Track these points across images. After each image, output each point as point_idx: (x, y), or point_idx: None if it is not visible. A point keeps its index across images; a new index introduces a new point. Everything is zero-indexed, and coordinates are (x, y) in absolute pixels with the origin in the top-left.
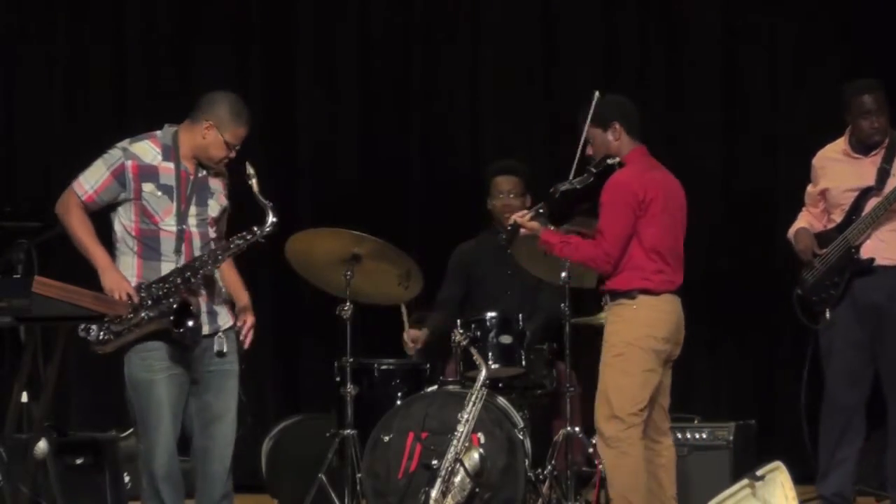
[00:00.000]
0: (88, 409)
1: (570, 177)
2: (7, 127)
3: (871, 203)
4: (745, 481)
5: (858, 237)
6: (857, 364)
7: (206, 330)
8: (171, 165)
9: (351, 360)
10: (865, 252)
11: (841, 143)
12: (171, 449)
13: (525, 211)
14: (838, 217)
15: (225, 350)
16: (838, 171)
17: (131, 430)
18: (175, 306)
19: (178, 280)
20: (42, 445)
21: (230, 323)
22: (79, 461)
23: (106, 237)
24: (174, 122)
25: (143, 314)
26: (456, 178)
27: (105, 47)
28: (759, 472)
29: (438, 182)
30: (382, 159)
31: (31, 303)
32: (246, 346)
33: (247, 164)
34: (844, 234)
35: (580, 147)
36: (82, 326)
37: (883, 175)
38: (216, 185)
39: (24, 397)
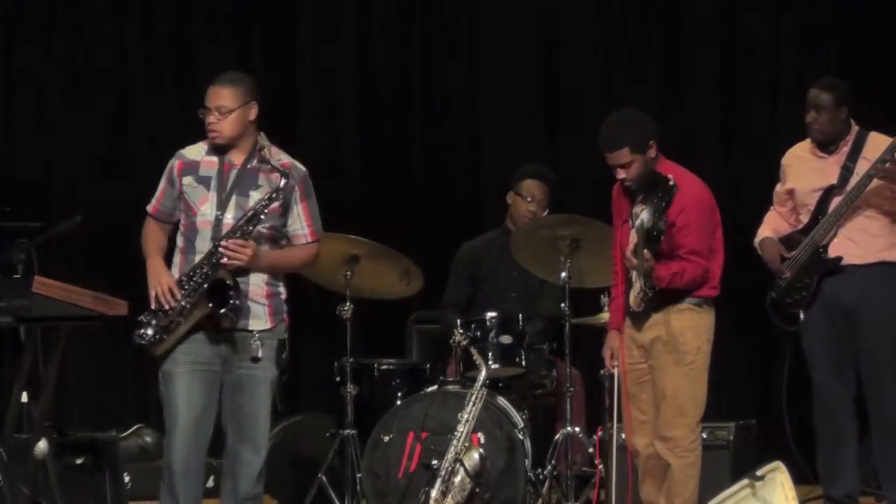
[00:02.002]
0: (88, 409)
1: (643, 210)
2: (7, 127)
3: (836, 202)
4: (745, 481)
5: (825, 236)
6: (838, 363)
7: (227, 324)
8: (214, 159)
9: (351, 360)
10: (833, 251)
11: (808, 142)
12: (191, 444)
13: (640, 254)
14: (805, 217)
15: (260, 356)
16: (804, 170)
17: (132, 429)
18: (206, 286)
19: (206, 262)
20: (42, 445)
21: (266, 326)
22: (79, 461)
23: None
24: (173, 121)
25: (184, 304)
26: (456, 179)
27: (105, 46)
28: (759, 472)
29: (438, 182)
30: (383, 160)
31: (31, 303)
32: (223, 253)
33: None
34: (811, 234)
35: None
36: (138, 332)
37: (845, 173)
38: (266, 179)
39: (24, 397)
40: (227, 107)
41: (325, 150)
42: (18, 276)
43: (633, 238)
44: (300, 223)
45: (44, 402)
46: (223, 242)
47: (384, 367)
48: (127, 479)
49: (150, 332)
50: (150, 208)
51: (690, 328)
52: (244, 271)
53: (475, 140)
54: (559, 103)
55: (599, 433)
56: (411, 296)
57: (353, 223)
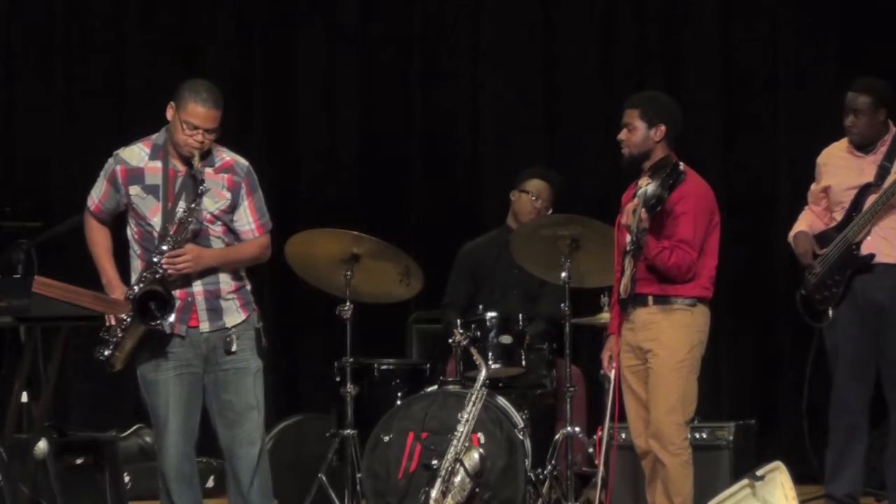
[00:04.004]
0: (88, 409)
1: (649, 184)
2: (7, 127)
3: (871, 199)
4: (745, 481)
5: (859, 234)
6: (862, 363)
7: (206, 328)
8: (158, 164)
9: (351, 360)
10: (866, 248)
11: (845, 141)
12: (183, 448)
13: (637, 214)
14: (839, 215)
15: (234, 348)
16: (841, 168)
17: (132, 429)
18: (136, 299)
19: (148, 275)
20: (42, 445)
21: (241, 319)
22: (79, 461)
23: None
24: None
25: (127, 318)
26: (456, 179)
27: (105, 46)
28: (759, 472)
29: (438, 182)
30: (382, 159)
31: (31, 303)
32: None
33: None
34: (844, 231)
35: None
36: (97, 349)
37: (882, 172)
38: (216, 181)
39: (24, 397)
40: (216, 129)
41: (325, 151)
42: (18, 276)
43: (633, 203)
44: (246, 219)
45: (44, 402)
46: (162, 260)
47: (384, 367)
48: (127, 479)
49: (106, 350)
50: (91, 206)
51: (683, 328)
52: (208, 274)
53: (475, 140)
54: (559, 104)
55: (599, 433)
56: (411, 296)
57: (353, 223)
